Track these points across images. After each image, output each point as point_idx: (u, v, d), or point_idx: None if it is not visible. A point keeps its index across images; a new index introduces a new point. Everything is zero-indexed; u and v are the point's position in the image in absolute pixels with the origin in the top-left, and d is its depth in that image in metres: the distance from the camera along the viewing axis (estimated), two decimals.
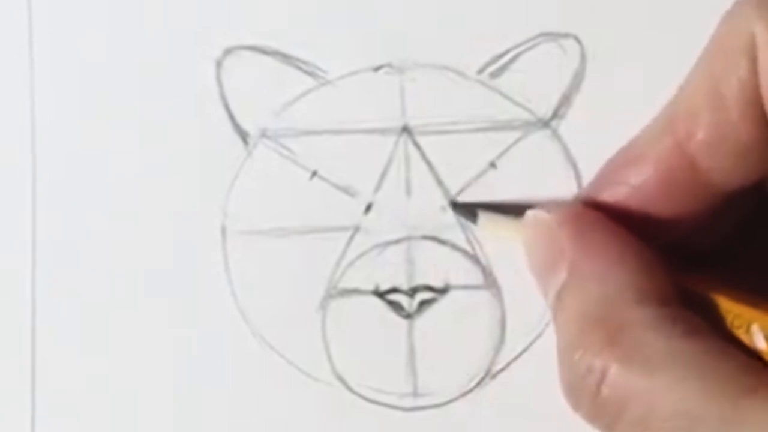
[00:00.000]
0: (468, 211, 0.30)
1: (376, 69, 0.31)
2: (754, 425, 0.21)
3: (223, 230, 0.31)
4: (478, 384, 0.31)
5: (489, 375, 0.31)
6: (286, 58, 0.31)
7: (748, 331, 0.23)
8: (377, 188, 0.31)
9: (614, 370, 0.23)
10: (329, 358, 0.31)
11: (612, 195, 0.27)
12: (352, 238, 0.31)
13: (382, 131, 0.31)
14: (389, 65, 0.31)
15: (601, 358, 0.23)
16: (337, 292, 0.31)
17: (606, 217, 0.26)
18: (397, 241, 0.31)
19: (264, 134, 0.31)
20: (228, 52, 0.31)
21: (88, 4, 0.32)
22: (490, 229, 0.30)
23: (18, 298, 0.31)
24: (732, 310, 0.23)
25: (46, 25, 0.32)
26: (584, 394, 0.24)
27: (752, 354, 0.23)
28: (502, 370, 0.31)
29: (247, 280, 0.31)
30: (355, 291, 0.31)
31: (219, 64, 0.31)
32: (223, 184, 0.31)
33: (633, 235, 0.25)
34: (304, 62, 0.31)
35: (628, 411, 0.23)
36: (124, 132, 0.31)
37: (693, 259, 0.26)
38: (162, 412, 0.31)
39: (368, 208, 0.31)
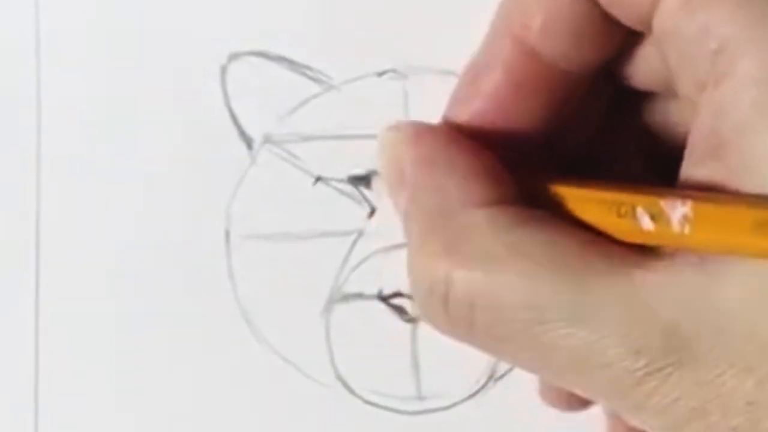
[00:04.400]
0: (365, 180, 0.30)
1: (381, 74, 0.31)
2: (604, 302, 0.20)
3: (227, 235, 0.31)
4: (482, 387, 0.31)
5: (493, 378, 0.31)
6: (290, 63, 0.32)
7: (635, 216, 0.22)
8: (380, 193, 0.31)
9: (457, 276, 0.22)
10: (333, 362, 0.31)
11: (469, 109, 0.25)
12: (355, 242, 0.31)
13: None
14: (393, 71, 0.31)
15: (443, 267, 0.22)
16: (341, 297, 0.31)
17: (451, 132, 0.25)
18: (400, 246, 0.31)
19: (268, 139, 0.32)
20: (233, 57, 0.32)
21: (94, 8, 0.32)
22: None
23: (21, 300, 0.31)
24: (616, 200, 0.22)
25: (53, 29, 0.32)
26: (435, 307, 0.23)
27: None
28: (506, 373, 0.31)
29: (250, 284, 0.31)
30: (359, 295, 0.31)
31: (224, 70, 0.32)
32: (227, 188, 0.31)
33: (479, 145, 0.24)
34: (309, 68, 0.32)
35: (478, 314, 0.22)
36: (128, 136, 0.32)
37: (568, 159, 0.26)
38: (164, 413, 0.31)
39: (372, 212, 0.31)
